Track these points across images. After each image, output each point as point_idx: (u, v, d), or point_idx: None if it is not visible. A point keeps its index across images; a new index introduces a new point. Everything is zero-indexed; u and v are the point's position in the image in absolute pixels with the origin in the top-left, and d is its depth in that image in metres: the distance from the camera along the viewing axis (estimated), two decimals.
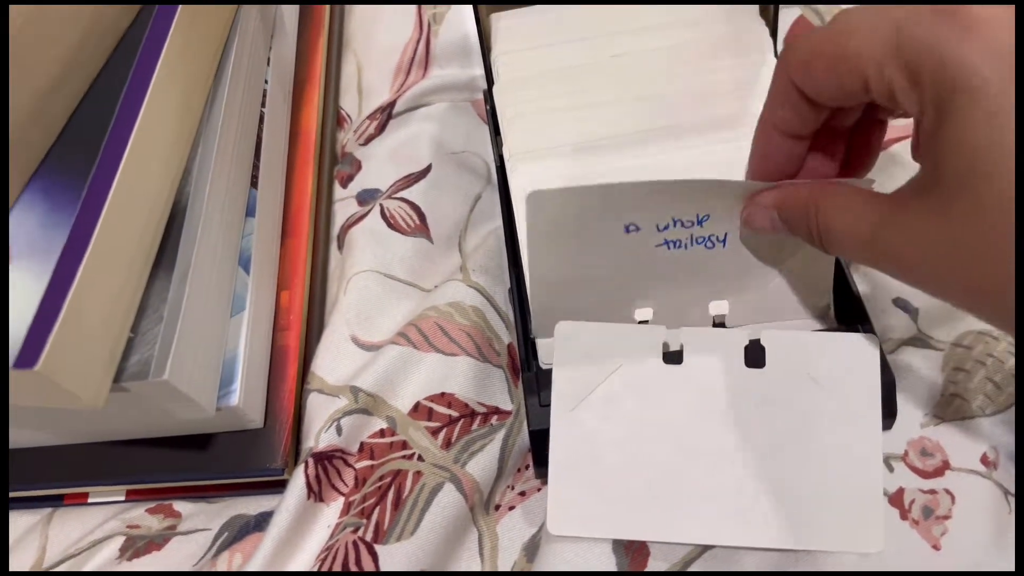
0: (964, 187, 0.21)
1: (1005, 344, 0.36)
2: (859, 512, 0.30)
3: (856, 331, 0.32)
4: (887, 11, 0.22)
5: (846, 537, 0.30)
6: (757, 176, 0.29)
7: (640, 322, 0.34)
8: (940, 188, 0.22)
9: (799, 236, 0.28)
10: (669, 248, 0.32)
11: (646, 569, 0.33)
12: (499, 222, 0.42)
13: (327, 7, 0.48)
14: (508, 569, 0.34)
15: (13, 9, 0.28)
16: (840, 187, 0.26)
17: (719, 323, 0.34)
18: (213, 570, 0.35)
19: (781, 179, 0.29)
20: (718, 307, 0.34)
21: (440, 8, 0.49)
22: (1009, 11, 0.20)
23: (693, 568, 0.33)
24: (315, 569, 0.33)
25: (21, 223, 0.29)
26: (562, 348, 0.32)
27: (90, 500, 0.37)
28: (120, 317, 0.28)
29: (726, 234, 0.31)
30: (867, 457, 0.31)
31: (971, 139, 0.20)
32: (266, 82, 0.40)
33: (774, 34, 0.40)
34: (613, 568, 0.33)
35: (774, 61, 0.38)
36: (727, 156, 0.34)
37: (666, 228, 0.32)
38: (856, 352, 0.32)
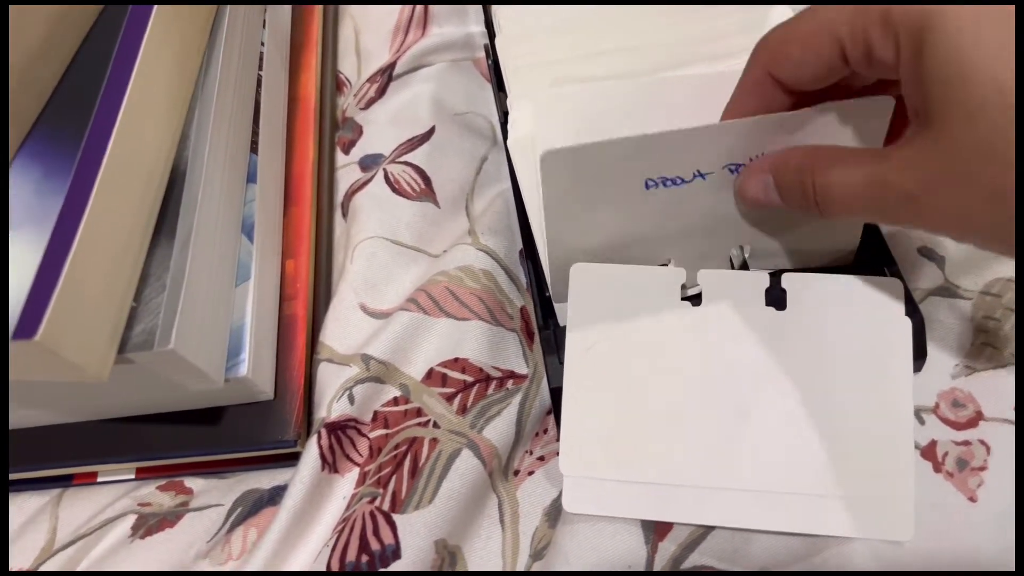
0: (942, 119, 0.22)
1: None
2: (888, 492, 0.29)
3: (883, 275, 0.31)
4: None
5: (874, 522, 0.29)
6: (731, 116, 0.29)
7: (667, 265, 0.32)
8: (922, 125, 0.23)
9: (793, 206, 0.27)
10: (690, 200, 0.31)
11: (669, 534, 0.32)
12: (506, 184, 0.41)
13: None
14: (531, 534, 0.33)
15: None
16: (833, 148, 0.26)
17: (741, 267, 0.33)
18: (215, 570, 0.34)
19: None
20: (740, 253, 0.32)
21: None
22: None
23: (707, 541, 0.32)
24: (333, 540, 0.32)
25: (16, 190, 0.27)
26: (577, 290, 0.31)
27: (99, 479, 0.36)
28: (121, 285, 0.27)
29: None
30: (898, 412, 0.30)
31: (941, 73, 0.21)
32: (262, 45, 0.39)
33: None
34: (638, 533, 0.32)
35: (782, 6, 0.36)
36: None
37: (689, 181, 0.30)
38: (883, 294, 0.30)
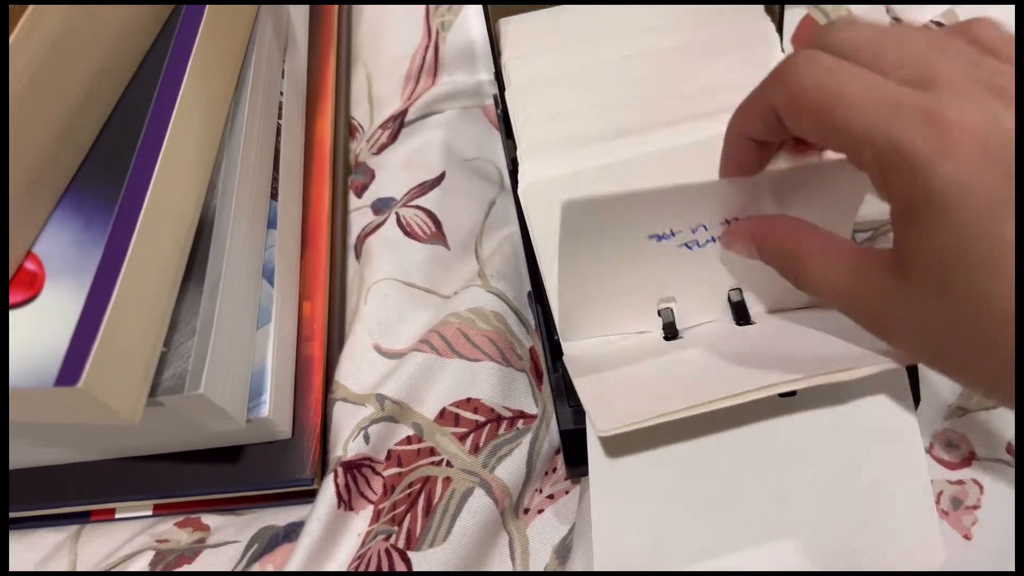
0: (938, 291, 0.22)
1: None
2: (912, 521, 0.31)
3: None
4: (883, 91, 0.22)
5: (904, 552, 0.31)
6: (725, 174, 0.30)
7: (659, 311, 0.34)
8: (914, 280, 0.22)
9: (775, 269, 0.29)
10: (691, 248, 0.33)
11: None
12: (514, 227, 0.43)
13: (336, 17, 0.48)
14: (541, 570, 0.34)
15: (37, 34, 0.28)
16: (818, 235, 0.27)
17: (738, 308, 0.34)
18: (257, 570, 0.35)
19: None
20: (739, 294, 0.34)
21: (448, 16, 0.49)
22: (988, 116, 0.20)
23: None
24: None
25: (55, 241, 0.29)
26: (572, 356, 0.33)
27: (117, 516, 0.37)
28: (154, 332, 0.29)
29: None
30: (911, 457, 0.32)
31: (940, 251, 0.21)
32: (281, 94, 0.41)
33: (780, 31, 0.40)
34: None
35: (781, 55, 0.38)
36: None
37: (693, 231, 0.32)
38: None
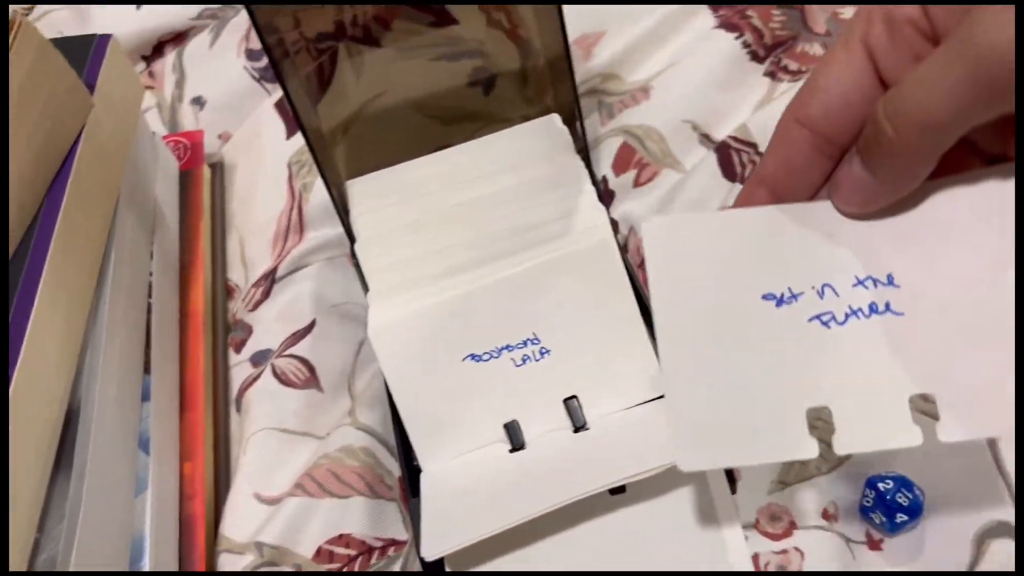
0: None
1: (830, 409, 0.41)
2: None
3: None
4: None
5: None
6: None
7: (505, 424, 0.39)
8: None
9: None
10: (517, 365, 0.38)
11: None
12: None
13: (203, 192, 0.53)
14: None
15: None
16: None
17: (574, 416, 0.39)
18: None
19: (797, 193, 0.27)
20: (573, 403, 0.39)
21: (308, 178, 0.54)
22: None
23: None
24: None
25: None
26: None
27: None
28: (25, 521, 0.32)
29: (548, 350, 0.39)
30: (731, 537, 0.37)
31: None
32: (151, 274, 0.45)
33: (586, 157, 0.46)
34: None
35: (591, 189, 0.44)
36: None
37: (507, 349, 0.38)
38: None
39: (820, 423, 0.27)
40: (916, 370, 0.25)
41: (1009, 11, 0.20)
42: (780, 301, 0.26)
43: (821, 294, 0.26)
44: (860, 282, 0.26)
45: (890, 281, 0.26)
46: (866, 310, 0.26)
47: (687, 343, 0.27)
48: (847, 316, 0.26)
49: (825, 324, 0.26)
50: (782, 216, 0.26)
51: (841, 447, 0.26)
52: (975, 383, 0.25)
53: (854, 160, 0.25)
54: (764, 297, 0.26)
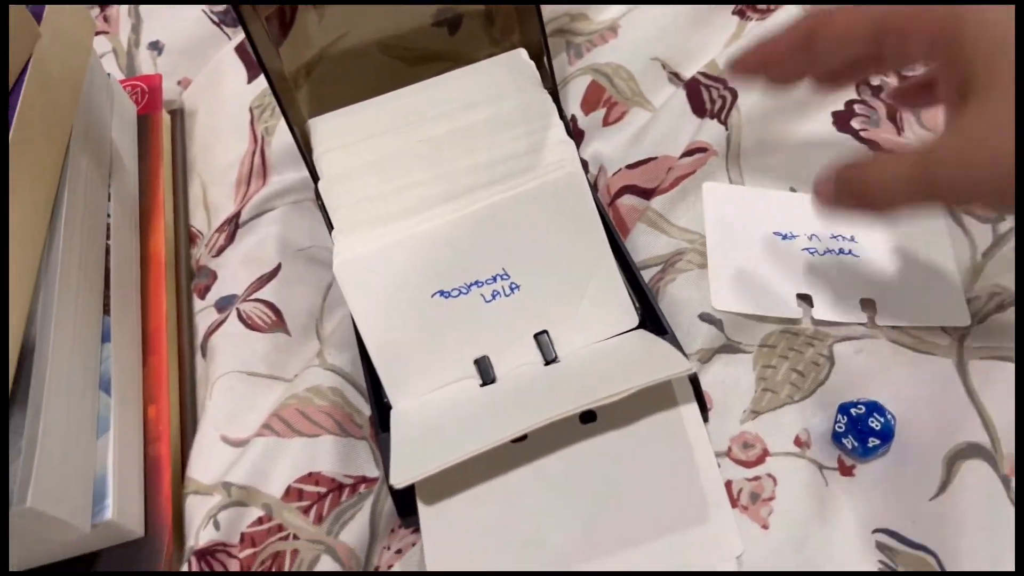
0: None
1: (803, 338, 0.41)
2: (710, 516, 0.36)
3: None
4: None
5: (706, 544, 0.35)
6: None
7: (475, 361, 0.38)
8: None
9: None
10: (487, 301, 0.38)
11: None
12: None
13: (162, 136, 0.51)
14: None
15: None
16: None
17: (544, 349, 0.39)
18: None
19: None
20: (543, 337, 0.39)
21: (271, 121, 0.53)
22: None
23: None
24: None
25: None
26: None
27: None
28: None
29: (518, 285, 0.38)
30: (703, 458, 0.36)
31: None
32: (109, 216, 0.44)
33: (555, 97, 0.45)
34: None
35: (559, 123, 0.43)
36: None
37: (477, 285, 0.37)
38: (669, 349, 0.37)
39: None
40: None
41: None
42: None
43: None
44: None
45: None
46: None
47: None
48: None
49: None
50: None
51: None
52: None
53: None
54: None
